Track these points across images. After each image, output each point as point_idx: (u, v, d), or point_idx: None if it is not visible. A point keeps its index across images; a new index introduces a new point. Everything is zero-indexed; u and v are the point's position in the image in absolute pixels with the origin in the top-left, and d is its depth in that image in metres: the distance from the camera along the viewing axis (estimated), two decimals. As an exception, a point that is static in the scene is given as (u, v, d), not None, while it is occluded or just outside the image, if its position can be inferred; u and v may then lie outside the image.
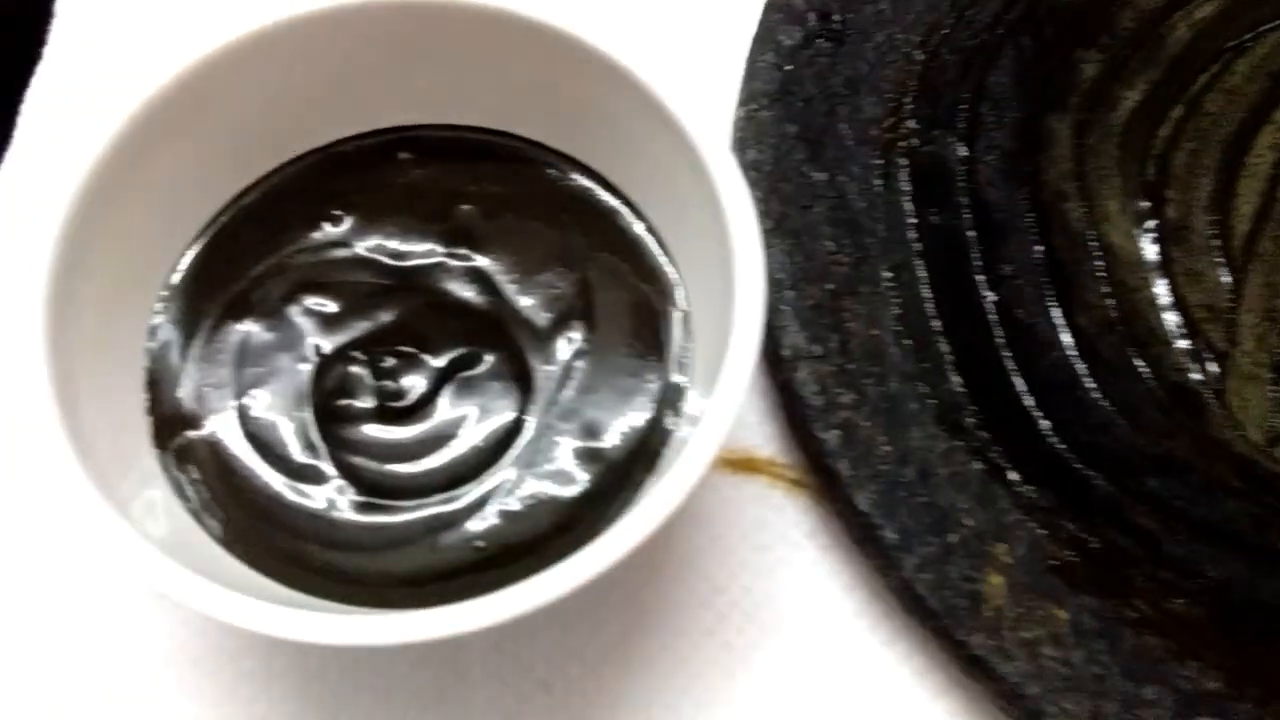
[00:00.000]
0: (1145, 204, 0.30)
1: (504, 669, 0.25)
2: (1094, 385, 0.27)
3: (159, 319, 0.24)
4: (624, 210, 0.26)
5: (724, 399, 0.21)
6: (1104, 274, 0.29)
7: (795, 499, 0.27)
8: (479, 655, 0.26)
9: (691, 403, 0.24)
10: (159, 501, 0.23)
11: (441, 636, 0.19)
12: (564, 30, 0.24)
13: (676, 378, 0.24)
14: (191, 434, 0.23)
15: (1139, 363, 0.28)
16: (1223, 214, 0.30)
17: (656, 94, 0.24)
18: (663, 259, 0.26)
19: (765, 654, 0.26)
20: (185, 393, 0.24)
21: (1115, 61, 0.32)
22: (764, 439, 0.28)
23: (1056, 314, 0.28)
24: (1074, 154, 0.31)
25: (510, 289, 0.25)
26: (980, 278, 0.29)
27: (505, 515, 0.23)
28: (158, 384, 0.24)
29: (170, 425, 0.23)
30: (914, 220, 0.29)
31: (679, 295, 0.25)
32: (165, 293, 0.25)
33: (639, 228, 0.26)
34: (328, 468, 0.23)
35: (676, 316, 0.25)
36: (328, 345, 0.24)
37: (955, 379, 0.27)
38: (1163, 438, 0.27)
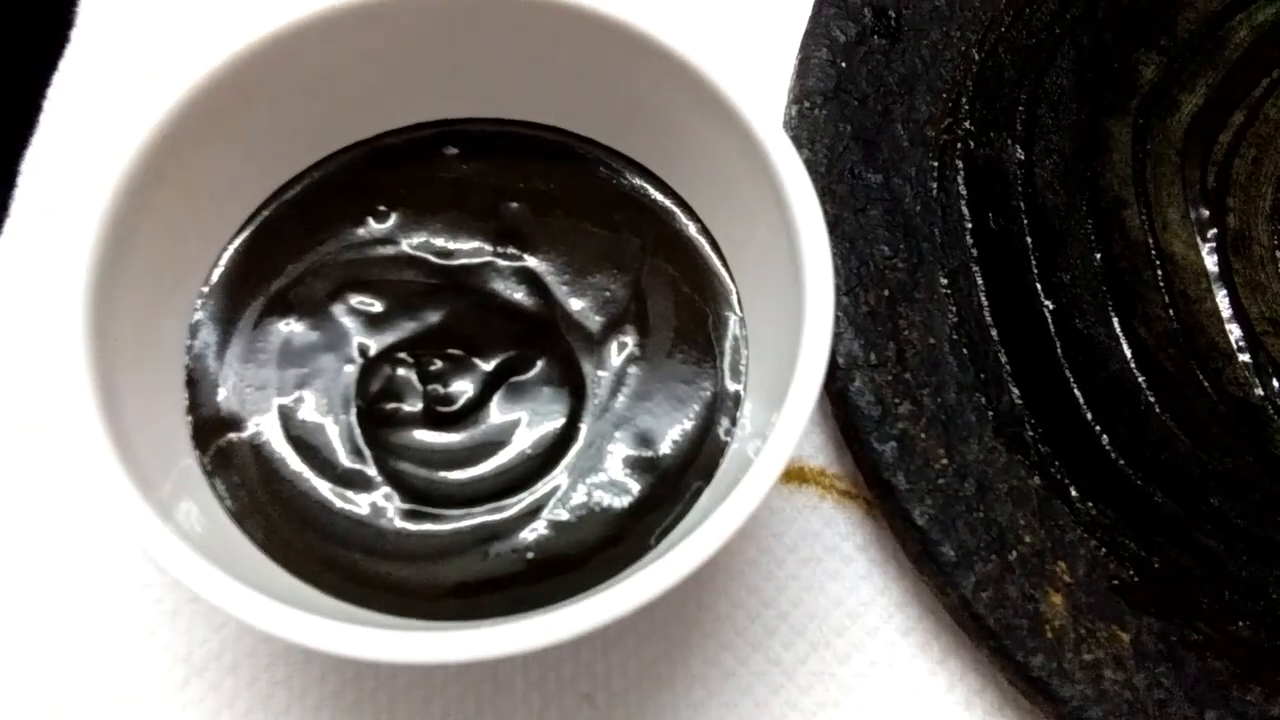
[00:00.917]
0: (1205, 212, 0.30)
1: (546, 681, 0.25)
2: (1155, 399, 0.27)
3: (199, 316, 0.24)
4: (679, 211, 0.25)
5: (792, 415, 0.20)
6: (1164, 284, 0.28)
7: (845, 511, 0.26)
8: (521, 666, 0.25)
9: (747, 412, 0.24)
10: (199, 505, 0.22)
11: (494, 656, 0.18)
12: (619, 19, 0.23)
13: (732, 386, 0.24)
14: (233, 436, 0.23)
15: (1200, 376, 0.27)
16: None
17: (719, 87, 0.23)
18: (718, 263, 0.25)
19: (812, 670, 0.25)
20: (226, 393, 0.23)
21: (1175, 64, 0.31)
22: (814, 448, 0.27)
23: (1116, 325, 0.27)
24: (1134, 159, 0.30)
25: (561, 291, 0.24)
26: (1038, 286, 0.28)
27: (556, 525, 0.22)
28: (198, 384, 0.23)
29: (211, 427, 0.23)
30: (970, 225, 0.29)
31: (735, 301, 0.24)
32: (206, 290, 0.24)
33: (694, 229, 0.25)
34: (373, 474, 0.22)
35: (733, 323, 0.24)
36: (373, 346, 0.24)
37: (1014, 390, 0.26)
38: (1225, 454, 0.26)
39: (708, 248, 0.25)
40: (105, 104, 0.30)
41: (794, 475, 0.27)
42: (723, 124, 0.23)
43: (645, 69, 0.24)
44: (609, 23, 0.23)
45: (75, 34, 0.31)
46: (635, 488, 0.23)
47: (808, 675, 0.25)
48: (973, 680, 0.25)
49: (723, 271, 0.25)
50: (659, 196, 0.25)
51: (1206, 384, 0.27)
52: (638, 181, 0.26)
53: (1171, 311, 0.28)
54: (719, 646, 0.25)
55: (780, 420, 0.20)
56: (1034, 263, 0.28)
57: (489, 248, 0.25)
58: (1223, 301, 0.28)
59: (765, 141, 0.22)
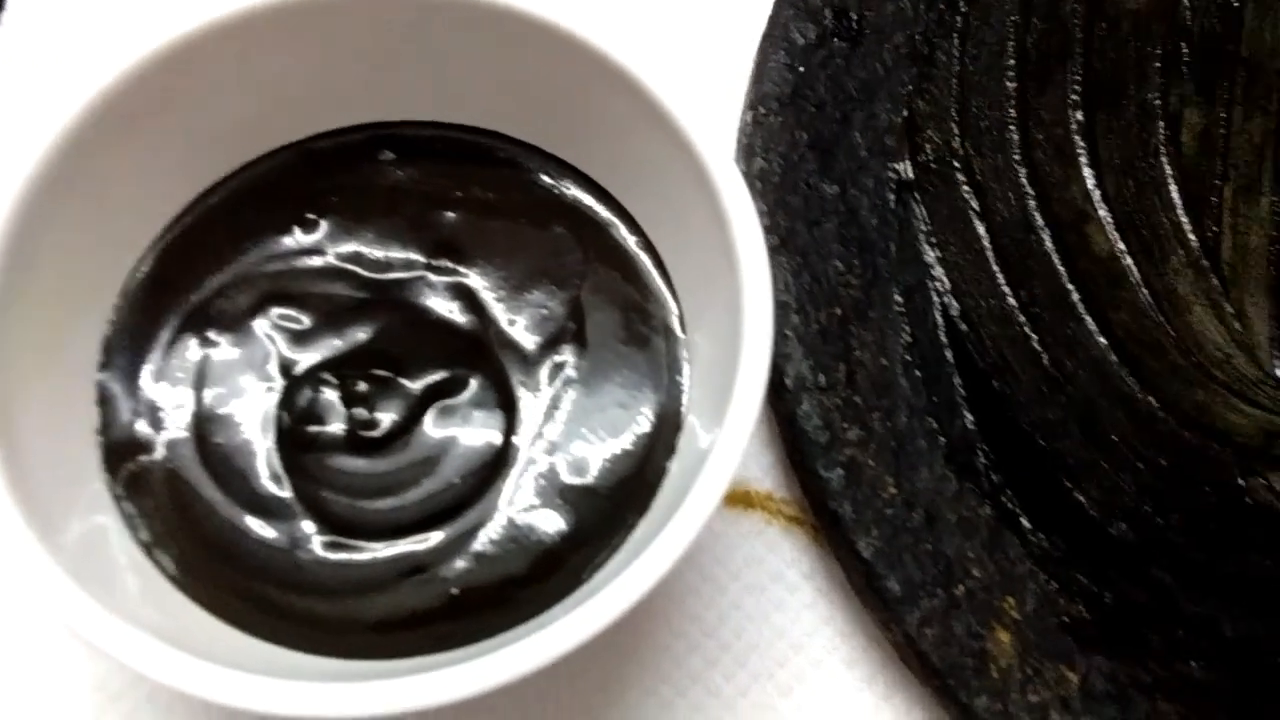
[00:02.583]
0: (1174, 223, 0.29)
1: (477, 714, 0.24)
2: (1112, 426, 0.26)
3: (111, 331, 0.22)
4: (620, 224, 0.24)
5: (727, 445, 0.19)
6: (1125, 302, 0.27)
7: (792, 537, 0.26)
8: (451, 696, 0.24)
9: (688, 436, 0.23)
10: (109, 531, 0.21)
11: (411, 709, 0.17)
12: (560, 26, 0.22)
13: (671, 411, 0.23)
14: (145, 459, 0.22)
15: (1154, 403, 0.26)
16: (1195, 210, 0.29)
17: (659, 99, 0.22)
18: (660, 280, 0.24)
19: (753, 702, 0.24)
20: (139, 413, 0.22)
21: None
22: (761, 471, 0.26)
23: (1073, 349, 0.27)
24: (1096, 171, 0.29)
25: (496, 308, 0.23)
26: (992, 303, 0.27)
27: (482, 558, 0.21)
28: (109, 403, 0.22)
29: (122, 449, 0.22)
30: (929, 240, 0.28)
31: (676, 320, 0.23)
32: (119, 303, 0.23)
33: (636, 243, 0.24)
34: (292, 501, 0.21)
35: (673, 343, 0.23)
36: (296, 365, 0.22)
37: (967, 415, 0.26)
38: (1182, 486, 0.25)
39: (650, 263, 0.24)
40: (22, 104, 0.29)
41: (740, 499, 0.26)
42: (664, 137, 0.22)
43: (588, 78, 0.22)
44: (550, 29, 0.22)
45: None
46: (567, 519, 0.22)
47: (748, 708, 0.24)
48: (919, 716, 0.24)
49: (664, 289, 0.24)
50: (600, 208, 0.24)
51: (1164, 413, 0.26)
52: (579, 191, 0.24)
53: (1134, 334, 0.27)
54: (657, 678, 0.24)
55: (714, 450, 0.19)
56: (993, 278, 0.27)
57: (422, 260, 0.24)
58: (1179, 323, 0.27)
59: (707, 158, 0.21)
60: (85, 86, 0.21)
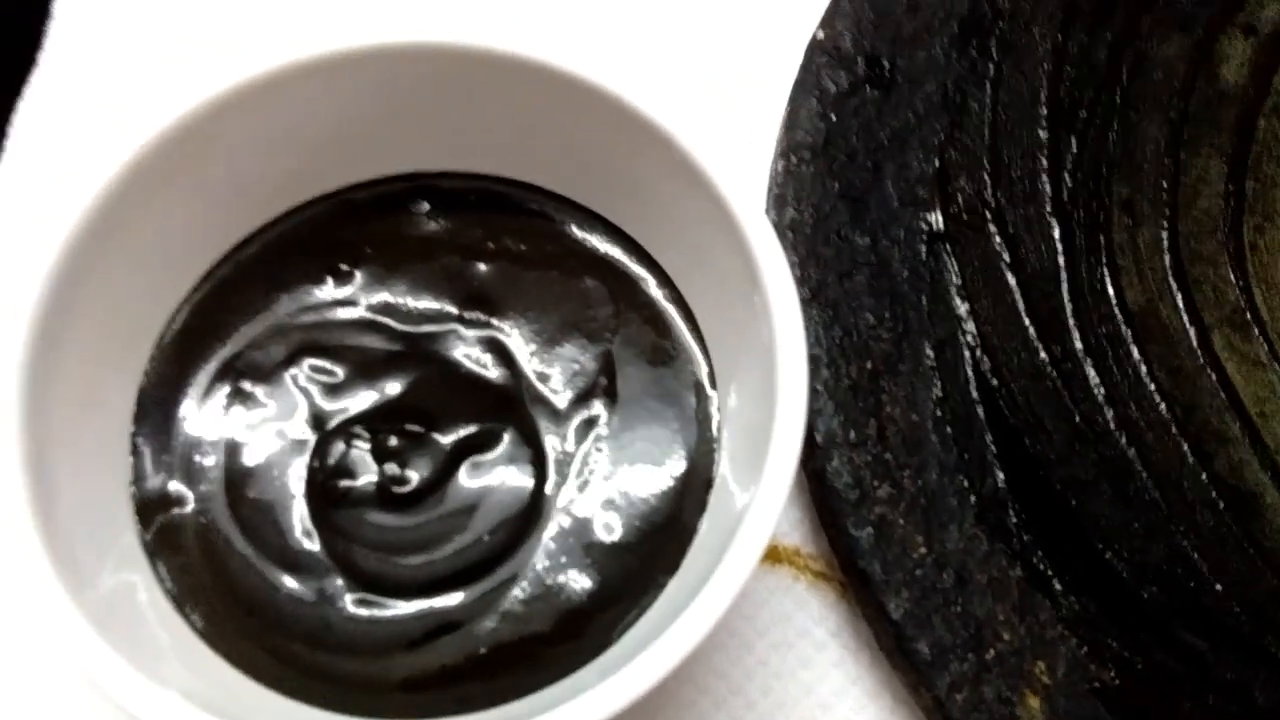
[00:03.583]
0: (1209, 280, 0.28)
1: (502, 766, 0.24)
2: (1146, 486, 0.26)
3: (146, 383, 0.22)
4: (653, 278, 0.24)
5: (764, 507, 0.19)
6: (1158, 360, 0.27)
7: (819, 593, 0.25)
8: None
9: (720, 494, 0.22)
10: (139, 584, 0.21)
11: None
12: (591, 81, 0.22)
13: (703, 469, 0.23)
14: (177, 512, 0.22)
15: (1193, 460, 0.26)
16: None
17: (691, 153, 0.22)
18: (691, 336, 0.24)
19: (780, 759, 0.24)
20: (172, 466, 0.22)
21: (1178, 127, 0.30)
22: (789, 525, 0.26)
23: (1107, 405, 0.26)
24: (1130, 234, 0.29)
25: (528, 362, 0.23)
26: (1023, 357, 0.27)
27: (511, 616, 0.21)
28: (142, 455, 0.22)
29: (154, 502, 0.22)
30: (960, 293, 0.27)
31: (706, 377, 0.23)
32: (154, 354, 0.23)
33: (667, 296, 0.24)
34: (322, 557, 0.21)
35: (705, 401, 0.23)
36: (328, 418, 0.22)
37: (999, 473, 0.25)
38: (1218, 546, 0.25)
39: (681, 319, 0.24)
40: (65, 157, 0.29)
41: (768, 554, 0.26)
42: (698, 194, 0.22)
43: (620, 132, 0.22)
44: (583, 85, 0.22)
45: (33, 83, 0.30)
46: (597, 577, 0.22)
47: (774, 766, 0.24)
48: (945, 776, 0.24)
49: (695, 346, 0.24)
50: (632, 262, 0.24)
51: (1201, 470, 0.26)
52: (611, 244, 0.24)
53: (1167, 390, 0.27)
54: (682, 733, 0.24)
55: (750, 510, 0.19)
56: (1026, 334, 0.27)
57: (455, 312, 0.24)
58: (1217, 381, 0.27)
59: (738, 213, 0.21)
60: (125, 144, 0.21)
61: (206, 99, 0.22)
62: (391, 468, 0.22)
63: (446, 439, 0.22)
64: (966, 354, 0.27)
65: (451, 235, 0.25)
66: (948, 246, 0.28)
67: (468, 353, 0.23)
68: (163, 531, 0.21)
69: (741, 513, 0.20)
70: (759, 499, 0.19)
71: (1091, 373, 0.27)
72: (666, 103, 0.22)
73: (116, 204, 0.21)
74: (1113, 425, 0.26)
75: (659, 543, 0.22)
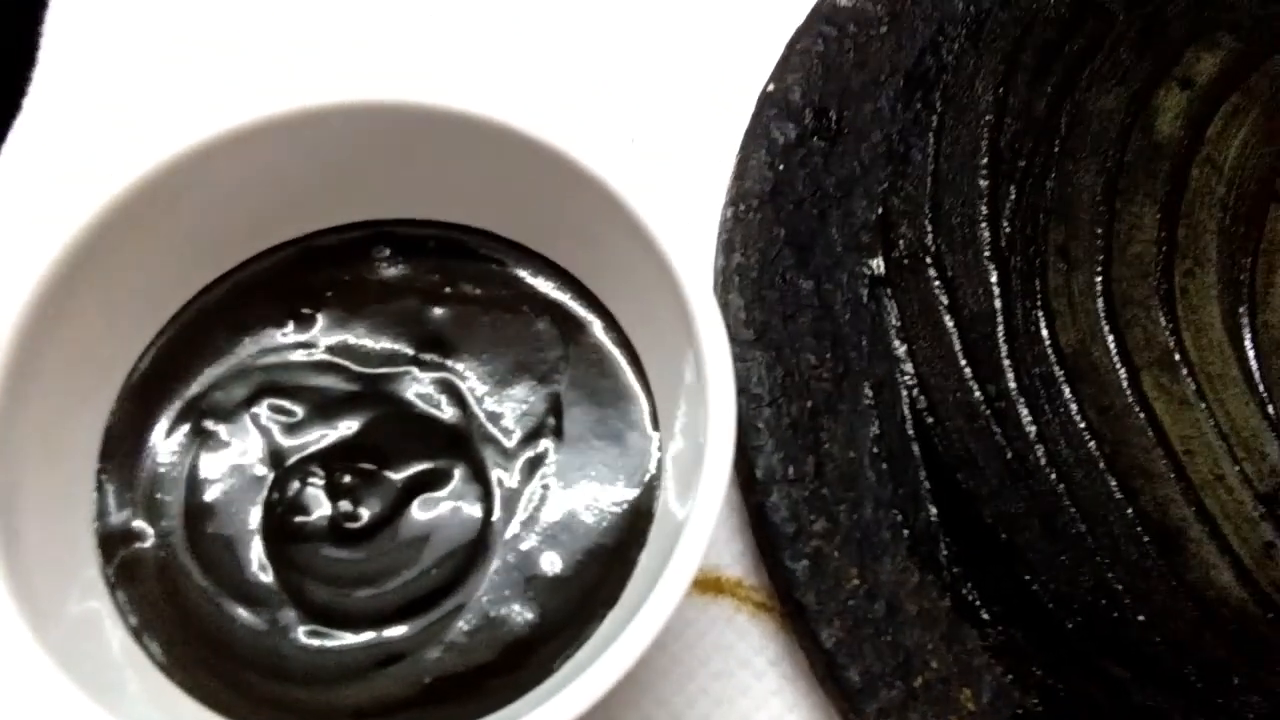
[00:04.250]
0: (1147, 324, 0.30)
1: (452, 790, 0.25)
2: (1073, 520, 0.27)
3: (112, 422, 0.24)
4: (599, 322, 0.25)
5: (693, 541, 0.20)
6: (1087, 400, 0.28)
7: (760, 624, 0.26)
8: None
9: (658, 529, 0.24)
10: (101, 616, 0.22)
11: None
12: (545, 140, 0.24)
13: (645, 503, 0.24)
14: (138, 546, 0.23)
15: (1120, 496, 0.27)
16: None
17: (637, 213, 0.23)
18: (635, 379, 0.25)
19: (720, 784, 0.25)
20: (135, 501, 0.23)
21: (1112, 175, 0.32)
22: (732, 558, 0.27)
23: (1038, 443, 0.28)
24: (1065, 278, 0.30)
25: (480, 402, 0.25)
26: (958, 396, 0.28)
27: (456, 647, 0.22)
28: (106, 491, 0.23)
29: (116, 537, 0.23)
30: (900, 334, 0.29)
31: (648, 418, 0.25)
32: (121, 394, 0.24)
33: (614, 341, 0.25)
34: (276, 589, 0.22)
35: (647, 438, 0.24)
36: (285, 456, 0.24)
37: (931, 508, 0.27)
38: (1140, 579, 0.26)
39: (626, 362, 0.25)
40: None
41: (710, 585, 0.27)
42: (640, 247, 0.23)
43: (572, 188, 0.24)
44: (537, 143, 0.24)
45: (11, 139, 0.31)
46: (539, 609, 0.23)
47: (714, 791, 0.25)
48: (878, 801, 0.25)
49: (639, 388, 0.25)
50: (581, 307, 0.26)
51: (1128, 506, 0.27)
52: (563, 291, 0.26)
53: (1096, 428, 0.28)
54: (626, 759, 0.25)
55: (679, 546, 0.20)
56: (966, 375, 0.28)
57: (411, 353, 0.25)
58: (1145, 420, 0.28)
59: (678, 271, 0.22)
60: (94, 194, 0.22)
61: (176, 152, 0.23)
62: (344, 504, 0.23)
63: (399, 476, 0.23)
64: (904, 393, 0.28)
65: (409, 280, 0.26)
66: (889, 290, 0.29)
67: (422, 393, 0.25)
68: (124, 565, 0.23)
69: (673, 544, 0.21)
70: (687, 532, 0.20)
71: (1024, 412, 0.28)
72: (614, 161, 0.23)
73: (87, 251, 0.22)
74: (1043, 462, 0.27)
75: (600, 576, 0.23)
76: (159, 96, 0.31)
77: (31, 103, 0.31)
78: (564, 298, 0.26)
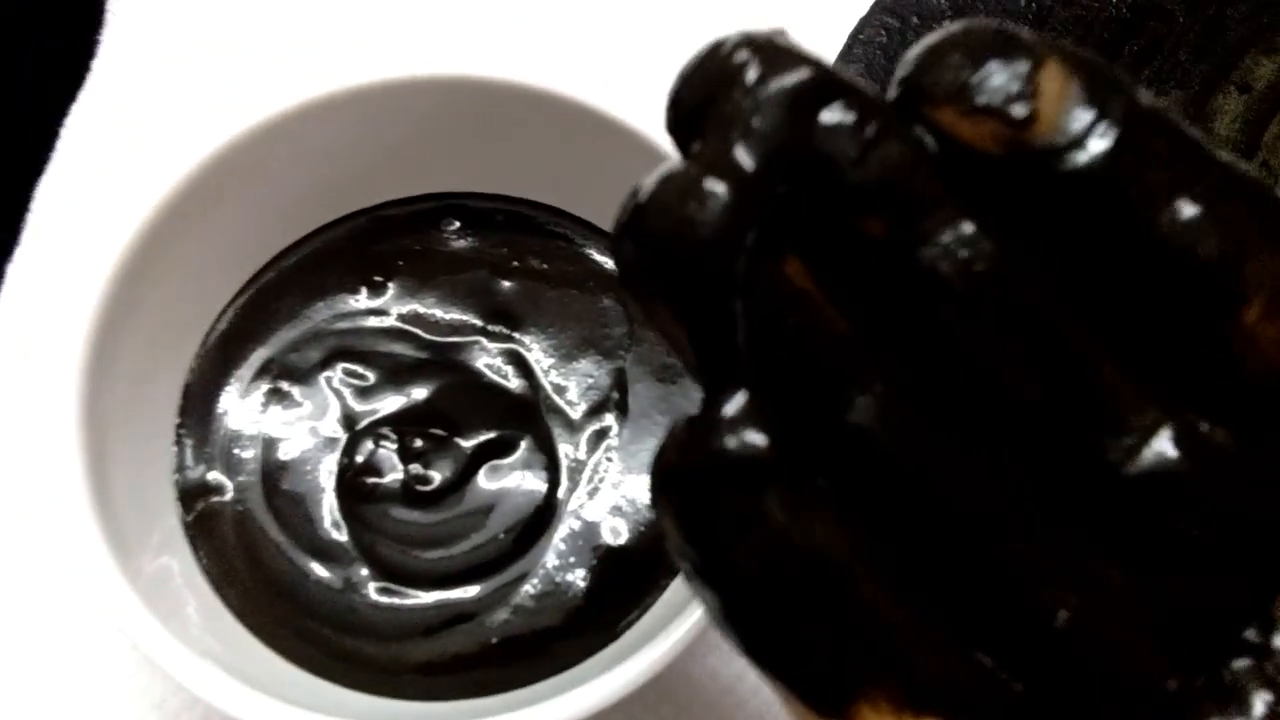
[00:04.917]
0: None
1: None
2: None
3: (191, 380, 0.24)
4: (666, 301, 0.26)
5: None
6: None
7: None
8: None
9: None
10: (180, 564, 0.23)
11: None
12: (615, 117, 0.24)
13: (705, 481, 0.24)
14: (216, 500, 0.23)
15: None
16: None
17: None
18: (700, 356, 0.25)
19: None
20: (213, 457, 0.24)
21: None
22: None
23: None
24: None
25: (546, 374, 0.25)
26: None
27: (522, 610, 0.23)
28: (185, 446, 0.24)
29: (195, 490, 0.23)
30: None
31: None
32: (200, 353, 0.24)
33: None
34: (350, 548, 0.23)
35: (710, 417, 0.25)
36: (358, 419, 0.24)
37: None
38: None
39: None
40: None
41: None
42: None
43: (638, 165, 0.24)
44: (607, 120, 0.24)
45: (81, 101, 0.31)
46: (604, 577, 0.23)
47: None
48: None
49: (705, 366, 0.25)
50: (648, 286, 0.26)
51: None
52: (629, 269, 0.26)
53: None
54: (676, 729, 0.26)
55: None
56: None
57: (479, 324, 0.25)
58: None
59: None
60: (175, 167, 0.23)
61: (255, 123, 0.23)
62: (416, 468, 0.24)
63: (468, 443, 0.24)
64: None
65: (478, 252, 0.26)
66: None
67: (490, 363, 0.25)
68: (202, 517, 0.23)
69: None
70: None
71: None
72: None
73: (170, 217, 0.23)
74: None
75: (660, 547, 0.24)
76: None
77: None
78: (631, 275, 0.26)
